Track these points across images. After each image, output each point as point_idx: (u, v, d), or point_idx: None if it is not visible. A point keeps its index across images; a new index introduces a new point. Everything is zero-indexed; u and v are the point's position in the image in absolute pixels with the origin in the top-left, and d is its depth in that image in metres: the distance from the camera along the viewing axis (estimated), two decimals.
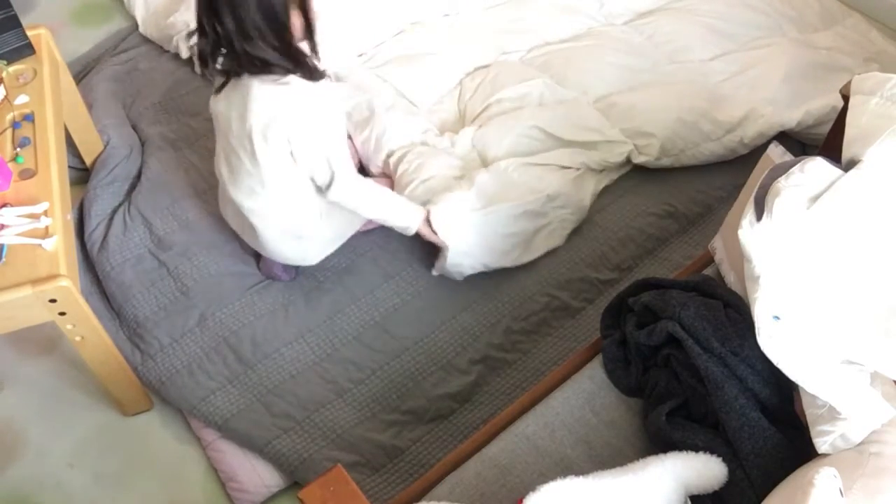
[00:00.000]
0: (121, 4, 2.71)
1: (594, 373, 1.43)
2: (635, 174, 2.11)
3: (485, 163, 2.02)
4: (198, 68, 2.41)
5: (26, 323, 1.46)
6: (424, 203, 1.82)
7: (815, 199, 1.12)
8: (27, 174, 1.56)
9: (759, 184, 1.19)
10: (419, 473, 1.60)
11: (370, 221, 1.90)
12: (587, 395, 1.40)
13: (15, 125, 1.65)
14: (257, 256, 1.94)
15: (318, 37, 1.50)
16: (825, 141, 1.48)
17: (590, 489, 1.10)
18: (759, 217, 1.14)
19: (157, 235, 1.99)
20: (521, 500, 1.08)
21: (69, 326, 1.48)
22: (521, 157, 2.00)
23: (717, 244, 1.55)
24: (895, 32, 2.48)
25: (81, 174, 2.19)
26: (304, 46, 1.50)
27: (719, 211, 2.04)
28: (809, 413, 1.14)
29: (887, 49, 2.39)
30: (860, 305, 1.11)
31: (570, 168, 2.02)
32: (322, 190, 1.63)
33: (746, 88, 2.20)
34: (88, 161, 2.17)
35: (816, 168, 1.15)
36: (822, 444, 1.10)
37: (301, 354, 1.79)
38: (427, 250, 1.90)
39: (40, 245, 1.44)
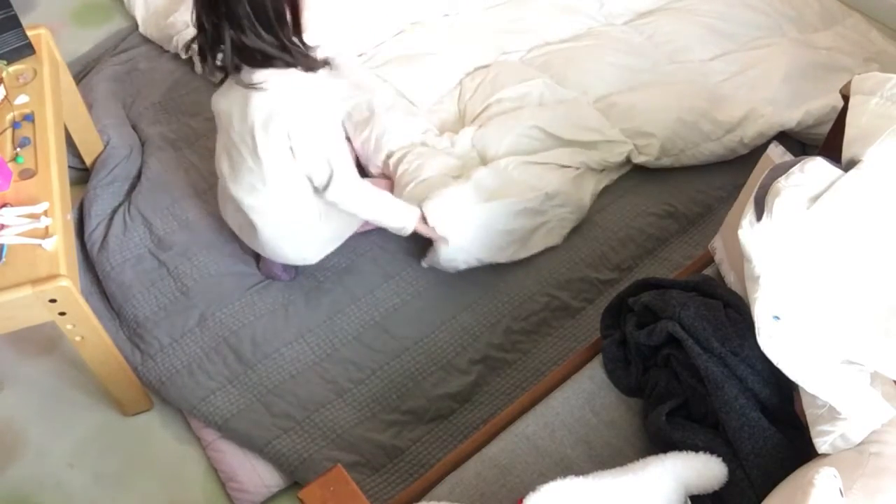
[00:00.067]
0: (121, 4, 2.71)
1: (594, 373, 1.43)
2: (635, 174, 2.11)
3: (484, 162, 2.02)
4: (198, 68, 2.41)
5: (26, 323, 1.46)
6: (422, 202, 1.82)
7: (815, 199, 1.12)
8: (27, 174, 1.56)
9: (759, 184, 1.19)
10: (419, 473, 1.60)
11: (368, 222, 1.90)
12: (587, 395, 1.40)
13: (15, 125, 1.65)
14: (257, 256, 1.94)
15: (309, 31, 1.50)
16: (825, 141, 1.48)
17: (590, 489, 1.10)
18: (759, 217, 1.14)
19: (157, 235, 1.99)
20: (521, 500, 1.08)
21: (69, 326, 1.48)
22: (521, 156, 2.00)
23: (717, 244, 1.55)
24: (895, 32, 2.48)
25: (81, 174, 2.19)
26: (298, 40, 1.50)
27: (719, 211, 2.04)
28: (809, 413, 1.14)
29: (887, 49, 2.39)
30: (860, 305, 1.11)
31: (569, 167, 2.02)
32: (319, 190, 1.63)
33: (746, 88, 2.20)
34: (88, 161, 2.17)
35: (816, 168, 1.15)
36: (822, 444, 1.10)
37: (301, 354, 1.79)
38: (426, 248, 1.90)
39: (40, 245, 1.44)
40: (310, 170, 1.59)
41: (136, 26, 2.60)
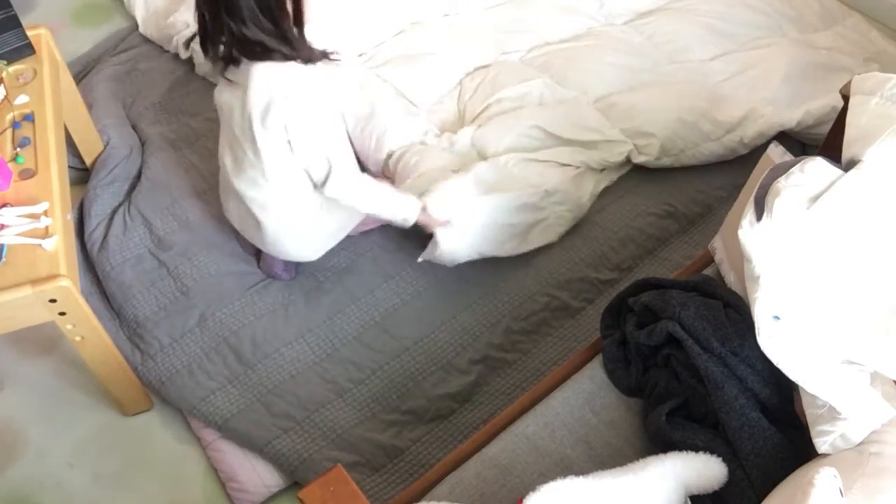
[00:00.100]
0: (121, 4, 2.71)
1: (594, 373, 1.43)
2: (635, 174, 2.11)
3: (484, 160, 2.02)
4: (199, 68, 2.42)
5: (26, 323, 1.46)
6: (422, 194, 1.81)
7: (815, 199, 1.12)
8: (27, 174, 1.56)
9: (759, 184, 1.19)
10: (419, 473, 1.60)
11: (369, 220, 1.90)
12: (587, 395, 1.40)
13: (15, 125, 1.65)
14: (258, 255, 1.94)
15: (310, 22, 1.50)
16: (825, 141, 1.48)
17: (590, 489, 1.10)
18: (759, 217, 1.14)
19: (157, 235, 1.99)
20: (521, 500, 1.08)
21: (69, 326, 1.48)
22: (522, 153, 2.00)
23: (717, 244, 1.55)
24: (895, 32, 2.48)
25: (81, 174, 2.19)
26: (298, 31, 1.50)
27: (719, 211, 2.04)
28: (809, 413, 1.14)
29: (887, 49, 2.39)
30: (860, 305, 1.11)
31: (569, 166, 2.02)
32: (318, 186, 1.63)
33: (746, 88, 2.20)
34: (88, 161, 2.17)
35: (816, 168, 1.15)
36: (822, 444, 1.10)
37: (301, 354, 1.79)
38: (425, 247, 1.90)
39: (40, 245, 1.44)
40: (307, 164, 1.59)
41: (136, 26, 2.60)
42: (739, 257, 1.20)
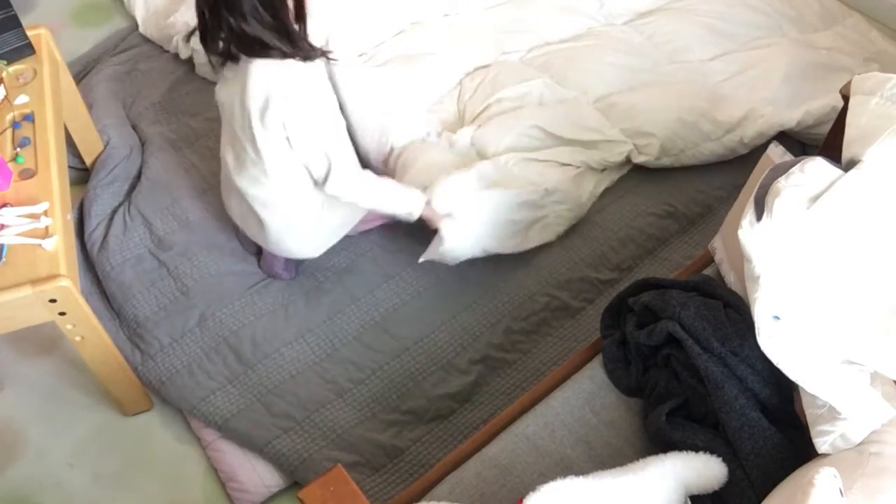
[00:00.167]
0: (121, 4, 2.71)
1: (594, 373, 1.43)
2: (635, 174, 2.11)
3: (484, 159, 2.02)
4: (199, 69, 2.41)
5: (26, 323, 1.46)
6: (423, 189, 1.81)
7: (815, 199, 1.12)
8: (27, 174, 1.56)
9: (759, 184, 1.19)
10: (419, 473, 1.60)
11: (372, 218, 1.89)
12: (587, 395, 1.40)
13: (15, 125, 1.65)
14: (258, 255, 1.94)
15: (311, 18, 1.50)
16: (825, 141, 1.48)
17: (590, 489, 1.10)
18: (759, 217, 1.14)
19: (157, 235, 1.99)
20: (521, 500, 1.08)
21: (69, 326, 1.48)
22: (522, 153, 2.00)
23: (717, 244, 1.55)
24: (895, 32, 2.48)
25: (81, 174, 2.19)
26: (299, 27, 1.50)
27: (719, 211, 2.04)
28: (809, 413, 1.14)
29: (887, 49, 2.39)
30: (860, 305, 1.11)
31: (569, 165, 2.02)
32: (319, 184, 1.63)
33: (746, 88, 2.20)
34: (88, 161, 2.17)
35: (816, 168, 1.15)
36: (822, 444, 1.10)
37: (301, 354, 1.79)
38: (426, 248, 1.90)
39: (40, 245, 1.44)
40: (307, 160, 1.59)
41: (136, 26, 2.60)
42: (739, 257, 1.20)
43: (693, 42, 2.35)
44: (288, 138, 1.54)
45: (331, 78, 1.72)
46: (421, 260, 1.81)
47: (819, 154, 1.21)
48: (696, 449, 1.21)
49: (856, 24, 2.47)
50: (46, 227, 1.47)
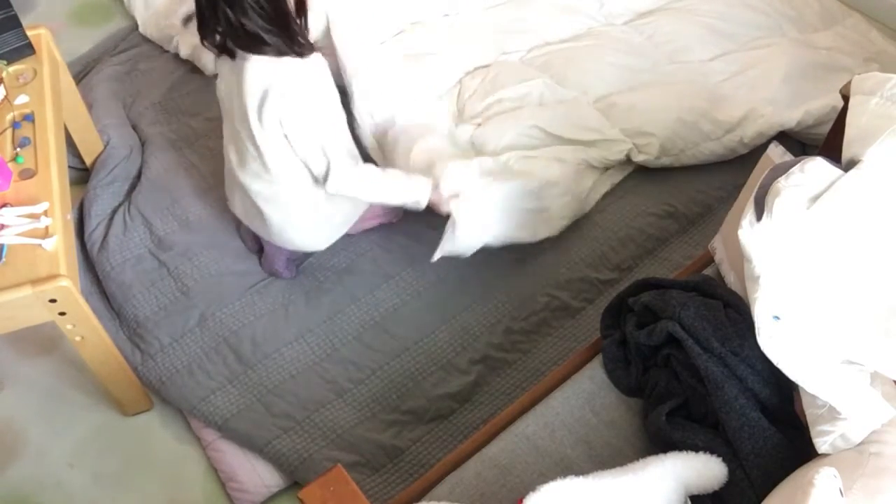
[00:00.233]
0: (121, 4, 2.71)
1: (594, 373, 1.43)
2: (635, 174, 2.10)
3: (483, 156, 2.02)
4: (199, 64, 2.41)
5: (26, 323, 1.46)
6: (425, 170, 1.80)
7: (815, 199, 1.12)
8: (27, 174, 1.56)
9: (759, 184, 1.19)
10: (419, 473, 1.60)
11: (371, 217, 1.89)
12: (587, 395, 1.40)
13: (15, 125, 1.65)
14: (259, 252, 1.94)
15: (311, 12, 1.50)
16: (825, 141, 1.48)
17: (590, 489, 1.10)
18: (759, 217, 1.14)
19: (158, 235, 1.99)
20: (521, 500, 1.08)
21: (69, 326, 1.48)
22: (522, 151, 1.99)
23: (717, 244, 1.55)
24: (895, 32, 2.48)
25: (81, 174, 2.19)
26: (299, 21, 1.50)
27: (719, 211, 2.04)
28: (809, 413, 1.14)
29: (887, 49, 2.39)
30: (860, 305, 1.11)
31: (570, 162, 2.01)
32: (320, 182, 1.63)
33: (746, 88, 2.20)
34: (88, 161, 2.17)
35: (816, 168, 1.15)
36: (822, 444, 1.10)
37: (301, 354, 1.79)
38: (426, 247, 1.90)
39: (40, 245, 1.44)
40: (306, 157, 1.59)
41: (136, 26, 2.60)
42: (739, 257, 1.20)
43: (693, 42, 2.35)
44: (286, 135, 1.54)
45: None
46: (435, 257, 1.75)
47: (819, 154, 1.21)
48: (696, 449, 1.21)
49: (856, 24, 2.47)
50: (46, 227, 1.47)
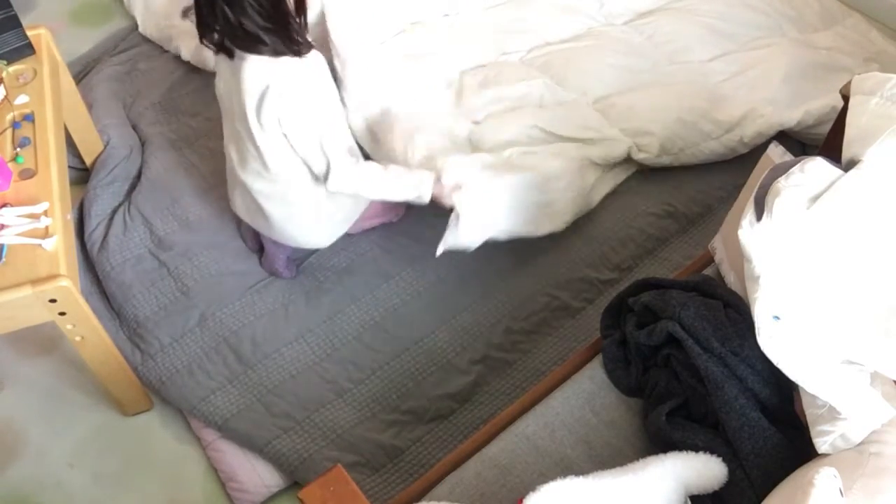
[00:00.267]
0: (120, 4, 2.71)
1: (594, 373, 1.43)
2: (636, 174, 2.10)
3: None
4: (201, 65, 2.41)
5: (26, 323, 1.46)
6: (425, 159, 1.78)
7: (815, 199, 1.12)
8: (27, 174, 1.56)
9: (759, 184, 1.19)
10: (419, 473, 1.60)
11: (370, 216, 1.89)
12: (587, 395, 1.40)
13: (15, 125, 1.65)
14: (260, 251, 1.94)
15: (311, 10, 1.50)
16: (825, 141, 1.48)
17: (590, 489, 1.10)
18: (759, 217, 1.14)
19: (158, 235, 1.99)
20: (521, 500, 1.08)
21: (69, 326, 1.48)
22: (523, 147, 1.99)
23: (717, 244, 1.55)
24: (895, 32, 2.48)
25: (81, 174, 2.19)
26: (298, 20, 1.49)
27: (719, 211, 2.04)
28: (809, 413, 1.14)
29: (887, 49, 2.39)
30: (860, 305, 1.11)
31: (572, 158, 2.01)
32: (321, 181, 1.63)
33: (746, 89, 2.20)
34: (88, 161, 2.17)
35: (816, 168, 1.15)
36: (822, 444, 1.10)
37: (301, 354, 1.79)
38: (426, 247, 1.90)
39: (40, 245, 1.44)
40: (306, 156, 1.59)
41: (136, 26, 2.60)
42: (739, 257, 1.20)
43: (693, 42, 2.35)
44: (285, 135, 1.54)
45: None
46: (439, 251, 1.73)
47: (819, 154, 1.21)
48: (696, 449, 1.21)
49: (856, 24, 2.47)
50: (46, 227, 1.47)
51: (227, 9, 1.40)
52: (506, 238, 1.81)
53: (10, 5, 1.71)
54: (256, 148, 1.58)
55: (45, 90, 1.71)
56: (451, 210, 1.70)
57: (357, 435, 1.67)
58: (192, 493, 1.67)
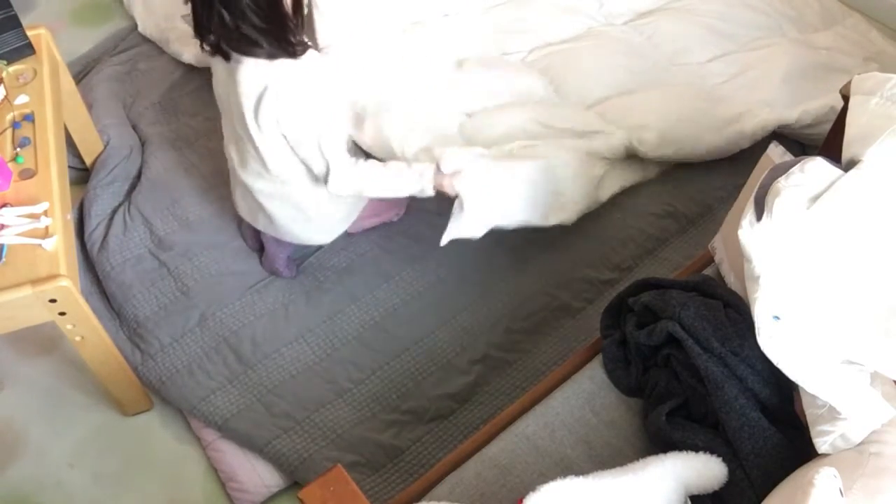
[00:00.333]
0: (120, 4, 2.71)
1: (594, 373, 1.43)
2: (637, 174, 2.10)
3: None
4: (199, 64, 2.41)
5: (26, 323, 1.46)
6: (424, 148, 1.77)
7: (815, 199, 1.12)
8: (27, 174, 1.56)
9: (759, 184, 1.19)
10: (419, 473, 1.60)
11: (369, 215, 1.89)
12: (587, 395, 1.40)
13: (15, 125, 1.65)
14: (259, 252, 1.94)
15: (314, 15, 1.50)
16: (825, 141, 1.48)
17: (590, 489, 1.10)
18: (759, 217, 1.14)
19: (158, 235, 1.99)
20: (521, 500, 1.08)
21: (69, 326, 1.48)
22: (522, 140, 1.98)
23: (717, 244, 1.55)
24: (895, 32, 2.48)
25: (81, 174, 2.19)
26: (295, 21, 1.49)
27: (719, 211, 2.04)
28: (809, 413, 1.14)
29: (887, 49, 2.39)
30: (860, 305, 1.11)
31: (578, 149, 1.99)
32: (321, 182, 1.63)
33: (746, 89, 2.20)
34: (88, 161, 2.17)
35: (816, 168, 1.15)
36: (822, 444, 1.10)
37: (301, 354, 1.79)
38: (426, 247, 1.90)
39: (40, 245, 1.44)
40: (306, 157, 1.59)
41: (136, 26, 2.60)
42: (739, 257, 1.20)
43: (693, 42, 2.35)
44: (284, 136, 1.54)
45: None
46: (444, 241, 1.69)
47: (819, 154, 1.21)
48: (696, 449, 1.21)
49: (856, 24, 2.47)
50: (46, 227, 1.47)
51: (223, 11, 1.40)
52: (514, 226, 1.78)
53: (10, 5, 1.71)
54: (256, 149, 1.58)
55: (45, 90, 1.71)
56: (455, 199, 1.68)
57: (357, 435, 1.67)
58: (192, 493, 1.67)
